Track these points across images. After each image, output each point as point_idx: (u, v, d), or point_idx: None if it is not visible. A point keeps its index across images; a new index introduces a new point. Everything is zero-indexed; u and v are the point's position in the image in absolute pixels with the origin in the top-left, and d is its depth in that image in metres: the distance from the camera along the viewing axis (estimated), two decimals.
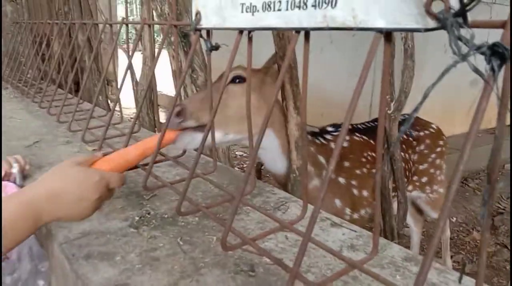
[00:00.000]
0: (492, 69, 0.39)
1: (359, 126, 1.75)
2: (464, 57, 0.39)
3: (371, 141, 1.63)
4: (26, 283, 0.98)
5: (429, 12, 0.43)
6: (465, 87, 3.74)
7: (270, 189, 1.14)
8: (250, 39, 0.71)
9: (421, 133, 1.89)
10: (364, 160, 1.55)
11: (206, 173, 0.94)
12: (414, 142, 1.85)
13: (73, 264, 0.79)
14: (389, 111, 1.59)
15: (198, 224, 0.94)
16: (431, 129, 1.93)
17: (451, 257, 2.83)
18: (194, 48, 0.82)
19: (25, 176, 1.17)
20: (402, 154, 1.77)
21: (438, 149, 1.89)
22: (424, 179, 1.90)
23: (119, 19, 1.29)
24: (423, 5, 0.43)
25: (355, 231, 0.91)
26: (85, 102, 2.09)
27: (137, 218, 0.96)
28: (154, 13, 1.74)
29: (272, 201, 1.06)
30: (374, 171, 1.60)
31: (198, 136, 0.98)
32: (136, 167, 0.92)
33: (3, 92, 2.65)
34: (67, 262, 0.82)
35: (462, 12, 0.41)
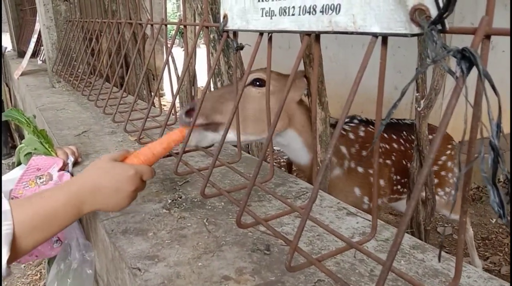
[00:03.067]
0: (462, 70, 0.44)
1: (373, 121, 1.83)
2: (434, 60, 0.45)
3: (385, 135, 1.77)
4: (76, 271, 1.11)
5: (413, 20, 0.49)
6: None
7: (293, 180, 1.21)
8: (269, 40, 0.79)
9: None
10: (379, 150, 1.64)
11: (231, 162, 1.02)
12: None
13: (112, 238, 0.90)
14: (418, 109, 1.61)
15: (223, 208, 1.03)
16: None
17: (487, 258, 2.78)
18: (222, 47, 0.91)
19: (74, 163, 1.31)
20: (402, 148, 1.86)
21: (448, 152, 1.97)
22: (435, 181, 1.94)
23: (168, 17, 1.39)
24: (408, 14, 0.49)
25: (369, 220, 0.96)
26: (130, 96, 2.24)
27: (169, 201, 1.07)
28: (196, 12, 1.85)
29: (294, 190, 1.14)
30: (388, 161, 1.68)
31: (209, 134, 1.05)
32: (168, 155, 1.02)
33: (57, 85, 2.86)
34: (107, 236, 0.93)
35: (439, 20, 0.46)
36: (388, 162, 1.73)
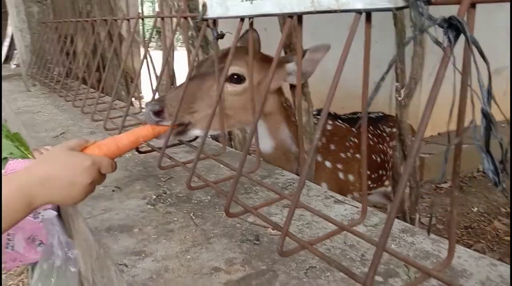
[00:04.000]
0: (449, 40, 0.44)
1: (341, 115, 1.82)
2: (421, 30, 0.44)
3: (353, 129, 1.73)
4: (60, 269, 1.07)
5: None
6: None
7: (279, 171, 1.20)
8: (251, 25, 0.78)
9: (394, 130, 1.97)
10: (348, 144, 1.62)
11: (217, 154, 1.00)
12: (388, 138, 1.95)
13: (96, 236, 0.87)
14: (399, 98, 1.62)
15: (210, 202, 1.01)
16: None
17: (471, 246, 2.83)
18: (202, 36, 0.89)
19: None
20: (380, 146, 1.84)
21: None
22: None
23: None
24: None
25: (357, 207, 0.96)
26: (107, 97, 2.19)
27: (154, 197, 1.04)
28: (172, 10, 1.82)
29: (280, 181, 1.12)
30: (358, 155, 1.65)
31: (186, 133, 1.01)
32: (150, 151, 0.99)
33: (32, 89, 2.79)
34: (90, 234, 0.90)
35: None
36: (358, 156, 1.70)
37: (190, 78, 0.95)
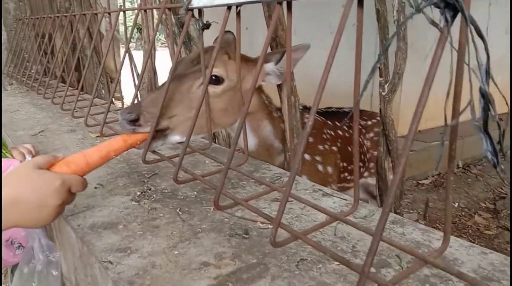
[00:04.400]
0: (446, 20, 0.43)
1: (320, 109, 1.84)
2: (419, 9, 0.43)
3: (328, 122, 1.75)
4: (41, 273, 1.03)
5: None
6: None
7: (266, 166, 1.18)
8: (238, 14, 0.76)
9: (369, 122, 2.02)
10: (324, 136, 1.63)
11: (203, 148, 0.98)
12: (364, 130, 1.97)
13: (79, 233, 0.84)
14: (383, 93, 1.63)
15: (196, 197, 0.99)
16: (378, 118, 2.00)
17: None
18: (187, 27, 0.87)
19: None
20: (347, 135, 1.86)
21: (377, 129, 1.98)
22: (368, 157, 1.99)
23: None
24: None
25: (345, 200, 0.95)
26: (87, 95, 2.15)
27: (138, 193, 1.01)
28: (153, 2, 1.79)
29: (267, 176, 1.11)
30: (334, 148, 1.67)
31: (159, 142, 0.97)
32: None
33: (9, 88, 2.71)
34: (73, 232, 0.87)
35: None
36: (334, 148, 1.71)
37: (168, 80, 0.92)
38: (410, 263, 0.70)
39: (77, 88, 2.44)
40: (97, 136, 1.53)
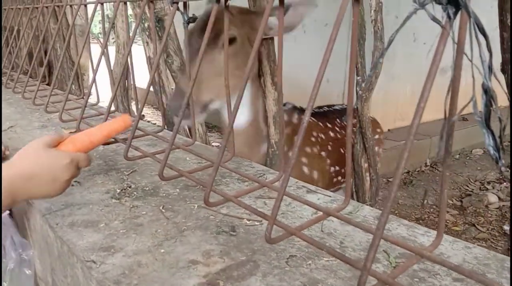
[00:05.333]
0: (448, 16, 0.43)
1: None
2: (422, 5, 0.43)
3: (320, 123, 1.70)
4: (13, 271, 0.99)
5: None
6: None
7: (248, 163, 1.17)
8: (226, 8, 0.75)
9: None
10: (314, 139, 1.60)
11: (187, 144, 0.96)
12: (354, 129, 1.95)
13: (58, 232, 0.81)
14: (360, 92, 1.65)
15: (179, 194, 0.97)
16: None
17: None
18: (172, 20, 0.85)
19: (4, 158, 1.18)
20: (339, 136, 1.84)
21: (376, 136, 1.96)
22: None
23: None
24: None
25: (330, 196, 0.95)
26: (57, 90, 2.08)
27: (118, 190, 0.98)
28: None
29: (251, 173, 1.10)
30: (323, 153, 1.64)
31: (203, 115, 1.01)
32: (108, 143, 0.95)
33: None
34: (51, 231, 0.83)
35: None
36: (323, 153, 1.68)
37: (190, 57, 0.92)
38: (398, 257, 0.71)
39: (46, 83, 2.36)
40: (71, 132, 1.48)
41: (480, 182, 3.91)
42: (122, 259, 0.71)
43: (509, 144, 3.87)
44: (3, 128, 1.54)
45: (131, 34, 1.05)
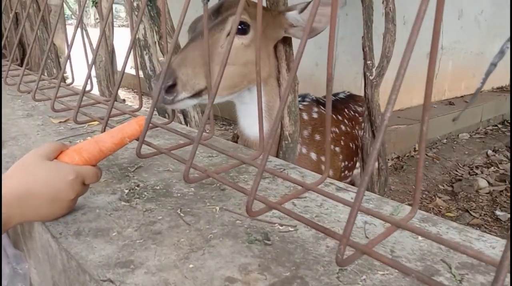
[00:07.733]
0: None
1: (323, 100, 1.70)
2: None
3: (333, 116, 1.61)
4: None
5: None
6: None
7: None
8: None
9: (361, 109, 1.91)
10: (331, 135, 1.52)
11: (205, 139, 0.86)
12: (361, 118, 1.87)
13: (62, 243, 0.69)
14: (371, 77, 1.55)
15: (195, 194, 0.86)
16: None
17: None
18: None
19: None
20: (355, 131, 1.76)
21: None
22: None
23: None
24: None
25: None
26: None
27: (126, 191, 0.87)
28: None
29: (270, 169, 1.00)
30: (337, 149, 1.56)
31: (192, 101, 0.90)
32: None
33: None
34: (54, 241, 0.72)
35: None
36: (337, 149, 1.60)
37: (191, 39, 0.81)
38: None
39: (28, 67, 2.18)
40: (60, 122, 1.35)
41: (469, 166, 3.92)
42: (145, 277, 0.60)
43: None
44: None
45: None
